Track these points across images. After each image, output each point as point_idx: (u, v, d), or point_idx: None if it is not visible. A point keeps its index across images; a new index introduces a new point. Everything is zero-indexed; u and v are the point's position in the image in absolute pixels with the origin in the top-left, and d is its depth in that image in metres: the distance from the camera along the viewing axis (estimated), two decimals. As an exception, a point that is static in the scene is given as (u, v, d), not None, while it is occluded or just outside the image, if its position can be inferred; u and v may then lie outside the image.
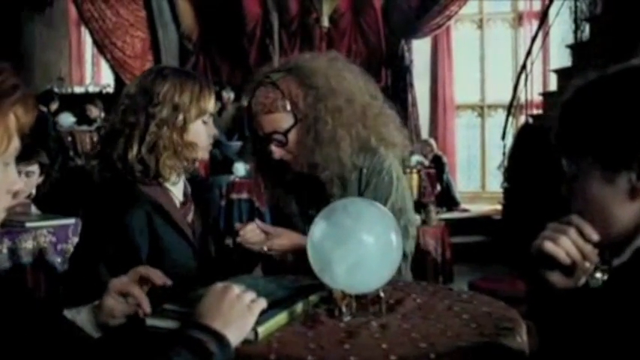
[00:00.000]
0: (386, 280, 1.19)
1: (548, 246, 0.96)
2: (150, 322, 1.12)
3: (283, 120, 1.62)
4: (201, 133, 1.56)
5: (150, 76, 1.55)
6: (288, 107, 1.61)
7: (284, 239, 1.59)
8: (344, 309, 1.18)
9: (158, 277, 1.17)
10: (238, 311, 1.02)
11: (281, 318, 1.15)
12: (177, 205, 1.57)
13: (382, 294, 1.18)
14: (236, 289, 1.04)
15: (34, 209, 2.95)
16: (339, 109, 1.63)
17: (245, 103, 1.69)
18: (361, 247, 1.14)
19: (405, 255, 1.61)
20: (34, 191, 3.00)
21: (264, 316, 1.08)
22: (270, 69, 1.70)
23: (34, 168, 2.94)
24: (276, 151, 1.64)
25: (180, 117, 1.51)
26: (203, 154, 1.58)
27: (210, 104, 1.57)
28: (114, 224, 1.43)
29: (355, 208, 1.21)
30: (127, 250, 1.42)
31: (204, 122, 1.56)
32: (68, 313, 1.11)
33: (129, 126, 1.50)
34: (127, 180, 1.48)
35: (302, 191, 1.73)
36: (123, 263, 1.27)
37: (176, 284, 1.21)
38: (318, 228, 1.23)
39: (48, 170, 3.01)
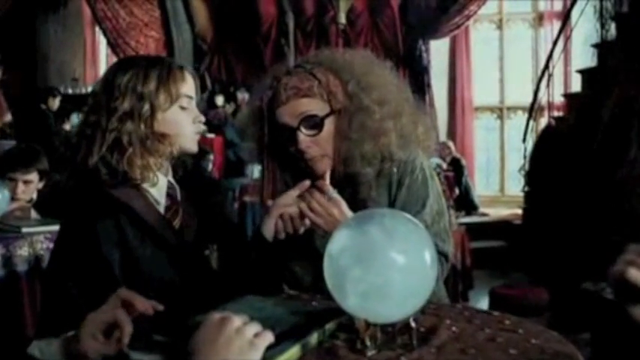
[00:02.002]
0: (415, 310, 1.00)
1: (634, 274, 0.77)
2: (135, 356, 0.95)
3: (319, 107, 1.45)
4: (179, 121, 1.38)
5: (113, 68, 1.40)
6: (325, 96, 1.45)
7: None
8: (367, 341, 0.99)
9: (142, 303, 1.00)
10: (238, 348, 0.84)
11: (292, 353, 0.96)
12: (161, 209, 1.38)
13: (414, 324, 0.99)
14: (236, 320, 0.86)
15: (33, 214, 2.79)
16: (385, 100, 1.47)
17: (265, 96, 1.49)
18: (387, 271, 0.94)
19: (446, 259, 1.49)
20: (34, 195, 2.86)
21: (271, 352, 0.89)
22: (293, 64, 1.53)
23: (33, 176, 2.80)
24: (304, 141, 1.45)
25: (147, 106, 1.34)
26: (185, 142, 1.40)
27: (186, 86, 1.40)
28: (79, 237, 1.27)
29: (392, 223, 1.00)
30: (97, 266, 1.24)
31: (183, 108, 1.39)
32: (37, 346, 0.94)
33: (90, 126, 1.33)
34: (95, 185, 1.31)
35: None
36: (94, 280, 1.12)
37: (160, 304, 1.04)
38: (342, 234, 1.03)
39: (49, 174, 2.85)
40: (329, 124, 1.46)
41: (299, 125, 1.45)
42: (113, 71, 1.38)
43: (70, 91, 8.58)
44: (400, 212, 1.03)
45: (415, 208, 1.48)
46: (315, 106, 1.45)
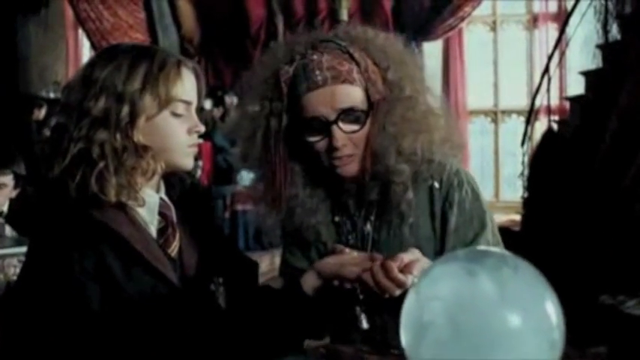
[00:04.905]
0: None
1: None
2: None
3: (360, 97, 1.20)
4: (168, 131, 1.11)
5: (93, 59, 1.12)
6: (364, 84, 1.20)
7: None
8: None
9: None
10: None
11: None
12: (153, 233, 1.12)
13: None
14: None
15: (8, 231, 2.49)
16: (428, 89, 1.24)
17: (284, 73, 1.22)
18: (489, 344, 0.65)
19: None
20: (5, 208, 2.54)
21: None
22: (321, 37, 1.26)
23: (8, 179, 2.49)
24: (341, 138, 1.19)
25: (126, 110, 1.06)
26: (175, 157, 1.13)
27: (181, 88, 1.12)
28: (48, 267, 1.01)
29: (511, 273, 0.71)
30: (71, 306, 0.99)
31: (176, 115, 1.11)
32: None
33: (57, 130, 1.07)
34: (63, 203, 1.04)
35: (344, 195, 1.31)
36: (67, 322, 0.93)
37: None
38: (444, 272, 0.75)
39: (24, 183, 2.54)
40: (369, 120, 1.21)
41: (337, 118, 1.19)
42: (92, 62, 1.10)
43: (52, 95, 8.29)
44: (523, 260, 0.74)
45: (473, 229, 1.25)
46: (356, 96, 1.20)
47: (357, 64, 1.20)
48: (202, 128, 1.15)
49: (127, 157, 1.06)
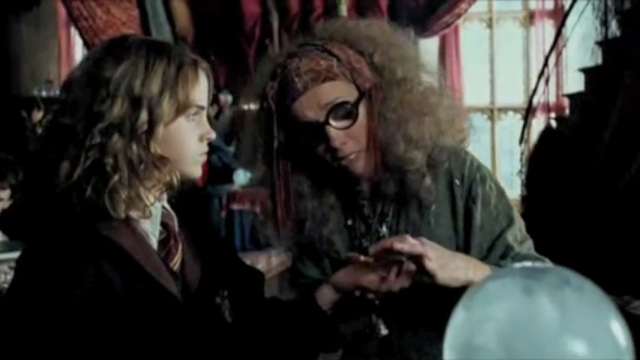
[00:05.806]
0: None
1: None
2: None
3: (347, 90, 1.14)
4: (182, 138, 1.01)
5: (101, 52, 1.00)
6: (349, 75, 1.14)
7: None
8: None
9: None
10: None
11: None
12: (154, 244, 1.03)
13: None
14: None
15: (-1, 235, 2.41)
16: (423, 67, 1.19)
17: (269, 89, 1.18)
18: None
19: None
20: (-2, 214, 2.45)
21: None
22: (299, 42, 1.22)
23: (5, 194, 2.39)
24: (337, 137, 1.14)
25: (144, 116, 0.95)
26: (185, 166, 1.03)
27: (199, 91, 1.02)
28: (44, 286, 0.92)
29: (576, 296, 0.61)
30: (68, 324, 0.91)
31: (189, 121, 1.02)
32: None
33: (61, 133, 0.95)
34: (65, 216, 0.95)
35: (357, 198, 1.25)
36: (63, 341, 0.87)
37: None
38: (500, 289, 0.65)
39: (17, 188, 2.45)
40: (363, 110, 1.16)
41: (327, 118, 1.13)
42: (101, 56, 0.98)
43: (44, 93, 8.20)
44: (588, 280, 0.66)
45: (499, 225, 1.19)
46: (341, 90, 1.14)
47: (338, 58, 1.15)
48: (214, 135, 1.06)
49: (143, 169, 0.96)
